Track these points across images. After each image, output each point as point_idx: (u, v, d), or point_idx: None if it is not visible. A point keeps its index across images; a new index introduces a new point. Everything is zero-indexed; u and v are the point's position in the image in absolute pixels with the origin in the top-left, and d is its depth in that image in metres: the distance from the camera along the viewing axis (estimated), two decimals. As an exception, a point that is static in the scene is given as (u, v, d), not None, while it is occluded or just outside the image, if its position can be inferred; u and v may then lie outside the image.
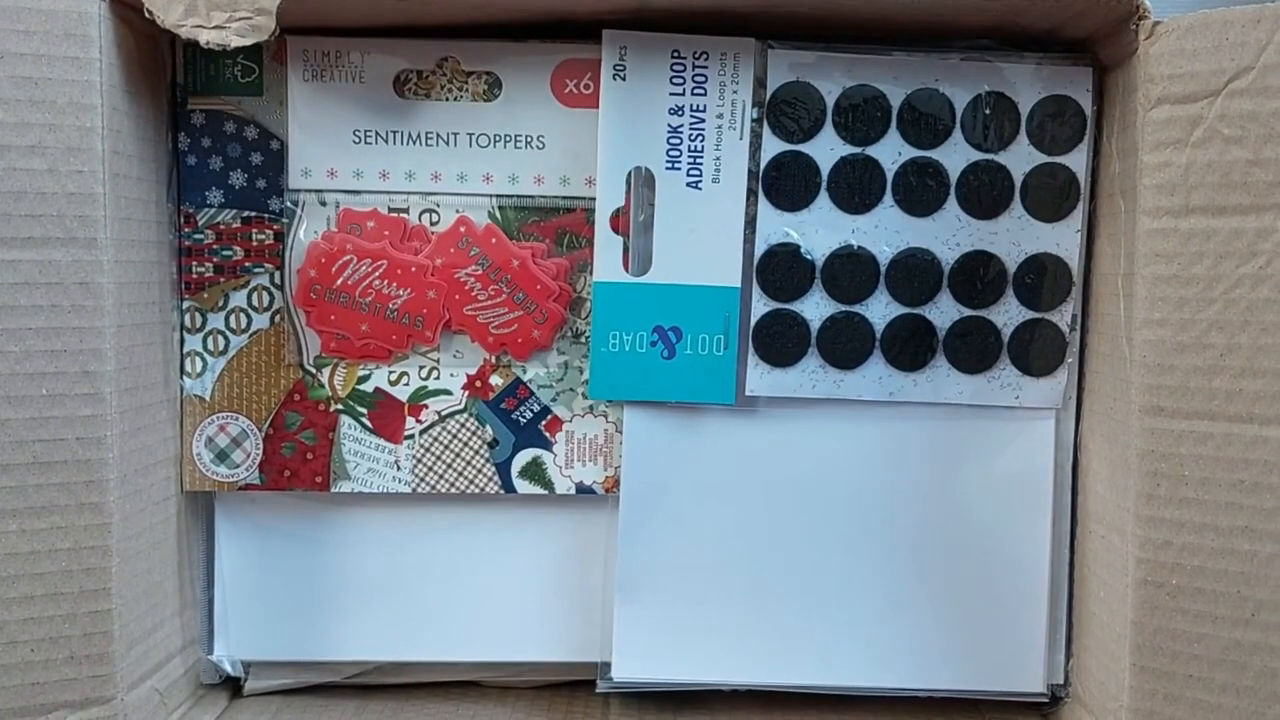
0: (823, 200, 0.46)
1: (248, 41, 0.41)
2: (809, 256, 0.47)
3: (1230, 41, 0.38)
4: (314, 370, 0.48)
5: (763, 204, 0.46)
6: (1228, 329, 0.39)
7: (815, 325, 0.47)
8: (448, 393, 0.48)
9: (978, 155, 0.46)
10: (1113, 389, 0.44)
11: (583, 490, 0.49)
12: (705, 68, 0.45)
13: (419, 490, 0.48)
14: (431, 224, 0.47)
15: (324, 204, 0.47)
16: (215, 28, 0.40)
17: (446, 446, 0.48)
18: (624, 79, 0.45)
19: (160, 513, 0.46)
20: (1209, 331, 0.39)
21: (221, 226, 0.47)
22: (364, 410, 0.48)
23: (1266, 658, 0.39)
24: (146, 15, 0.40)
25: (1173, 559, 0.40)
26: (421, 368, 0.48)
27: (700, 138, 0.46)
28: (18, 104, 0.39)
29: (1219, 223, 0.39)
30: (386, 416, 0.48)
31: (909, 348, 0.47)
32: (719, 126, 0.46)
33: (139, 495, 0.43)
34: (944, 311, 0.47)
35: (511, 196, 0.47)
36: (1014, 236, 0.46)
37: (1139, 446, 0.41)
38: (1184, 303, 0.39)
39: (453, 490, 0.48)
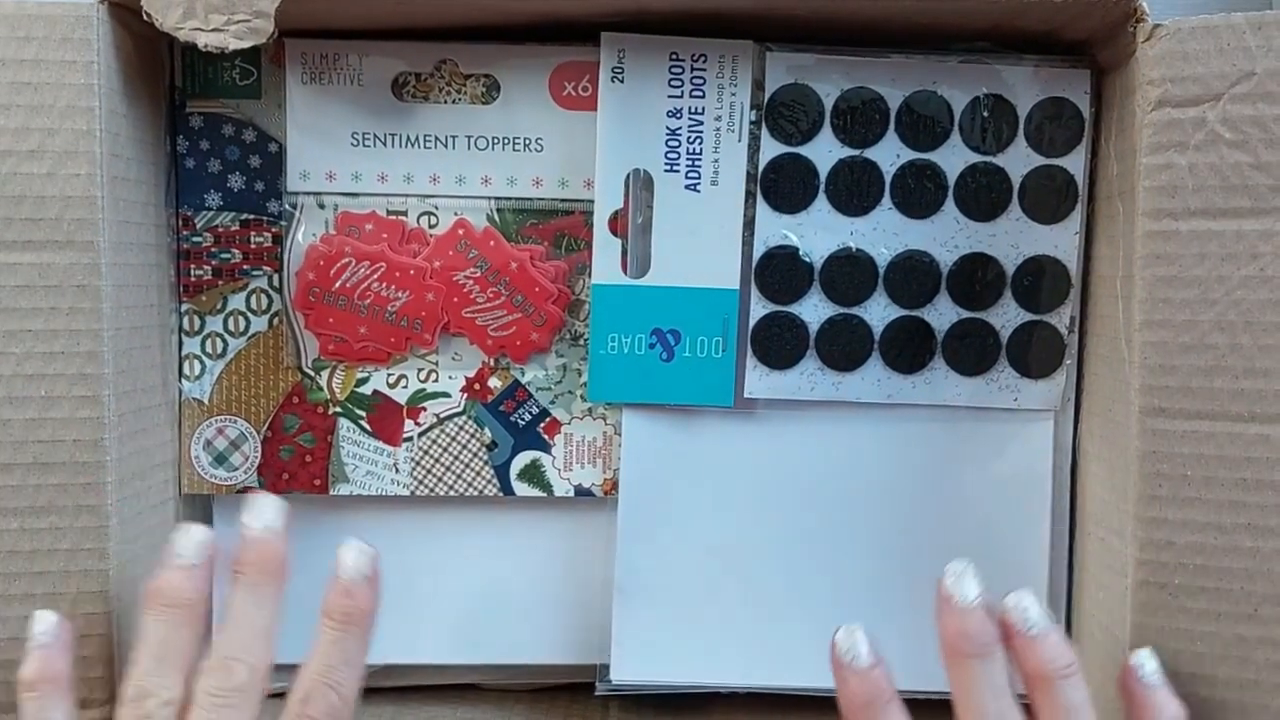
0: (821, 202, 0.46)
1: (246, 44, 0.40)
2: (807, 259, 0.47)
3: (1232, 46, 0.38)
4: (312, 373, 0.47)
5: (761, 206, 0.46)
6: (1229, 330, 0.39)
7: (814, 327, 0.47)
8: (446, 395, 0.48)
9: (976, 157, 0.46)
10: (1111, 391, 0.44)
11: (581, 493, 0.49)
12: (703, 70, 0.45)
13: (418, 493, 0.48)
14: (430, 226, 0.47)
15: (322, 206, 0.47)
16: (213, 30, 0.40)
17: (445, 449, 0.48)
18: (622, 81, 0.45)
19: (158, 515, 0.45)
20: (1211, 332, 0.39)
21: (220, 229, 0.47)
22: (362, 413, 0.48)
23: (1270, 651, 0.39)
24: (145, 18, 0.40)
25: (1175, 559, 0.40)
26: (420, 370, 0.48)
27: (699, 140, 0.46)
28: (16, 108, 0.39)
29: (1220, 225, 0.39)
30: (385, 419, 0.48)
31: (908, 350, 0.47)
32: (717, 129, 0.46)
33: (137, 498, 0.43)
34: (942, 314, 0.47)
35: (510, 199, 0.47)
36: (1012, 239, 0.46)
37: (1139, 448, 0.41)
38: (1185, 304, 0.40)
39: (451, 493, 0.48)
